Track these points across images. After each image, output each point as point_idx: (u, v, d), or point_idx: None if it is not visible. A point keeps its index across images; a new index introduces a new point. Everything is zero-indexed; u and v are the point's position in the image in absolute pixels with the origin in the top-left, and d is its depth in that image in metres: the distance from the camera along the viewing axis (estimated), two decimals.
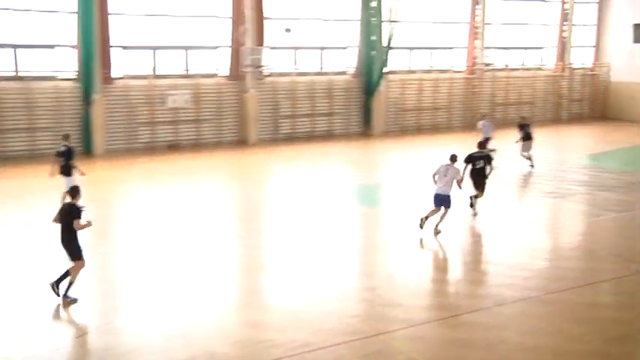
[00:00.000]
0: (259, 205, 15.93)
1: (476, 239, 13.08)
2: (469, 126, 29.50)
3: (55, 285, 9.50)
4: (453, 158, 13.26)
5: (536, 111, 32.02)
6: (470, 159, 14.30)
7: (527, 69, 31.85)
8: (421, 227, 12.93)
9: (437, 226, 12.94)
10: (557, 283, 10.23)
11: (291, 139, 25.80)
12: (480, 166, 14.37)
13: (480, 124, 21.82)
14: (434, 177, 13.10)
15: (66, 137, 15.08)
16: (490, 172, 14.56)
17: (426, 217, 12.99)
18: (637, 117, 32.21)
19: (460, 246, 12.62)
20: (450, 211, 13.03)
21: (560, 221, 14.57)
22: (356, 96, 27.31)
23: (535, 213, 14.84)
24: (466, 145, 24.35)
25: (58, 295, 9.44)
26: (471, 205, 14.49)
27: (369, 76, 26.91)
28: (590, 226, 14.07)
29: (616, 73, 33.33)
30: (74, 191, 9.82)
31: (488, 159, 14.55)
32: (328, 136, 26.71)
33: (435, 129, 28.86)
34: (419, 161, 21.64)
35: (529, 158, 19.87)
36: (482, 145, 15.17)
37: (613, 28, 33.27)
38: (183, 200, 15.80)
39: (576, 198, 16.22)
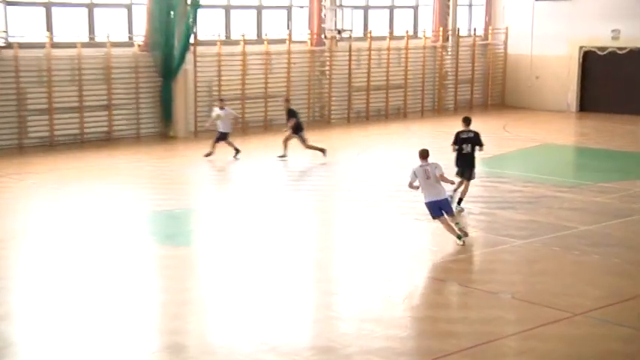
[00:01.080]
0: None
1: (326, 285, 13.44)
2: (317, 121, 30.36)
3: None
4: (424, 154, 14.84)
5: (410, 98, 33.61)
6: (457, 140, 16.21)
7: (396, 37, 33.34)
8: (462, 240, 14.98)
9: (462, 233, 14.92)
10: (445, 344, 10.75)
11: (49, 145, 25.16)
12: (466, 151, 16.66)
13: (222, 113, 23.83)
14: (411, 186, 14.91)
15: None
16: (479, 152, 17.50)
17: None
18: (546, 105, 34.68)
19: (306, 297, 12.95)
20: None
21: (447, 255, 15.32)
22: (148, 79, 27.22)
23: (411, 244, 15.56)
24: (320, 145, 24.95)
25: None
26: (459, 202, 17.33)
27: (167, 50, 26.92)
28: (487, 259, 14.98)
29: (514, 43, 35.76)
30: None
31: (477, 140, 16.93)
32: (107, 139, 26.34)
33: (267, 126, 29.39)
34: (242, 175, 21.91)
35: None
36: (468, 121, 17.28)
37: None
38: None
39: (468, 220, 17.22)
